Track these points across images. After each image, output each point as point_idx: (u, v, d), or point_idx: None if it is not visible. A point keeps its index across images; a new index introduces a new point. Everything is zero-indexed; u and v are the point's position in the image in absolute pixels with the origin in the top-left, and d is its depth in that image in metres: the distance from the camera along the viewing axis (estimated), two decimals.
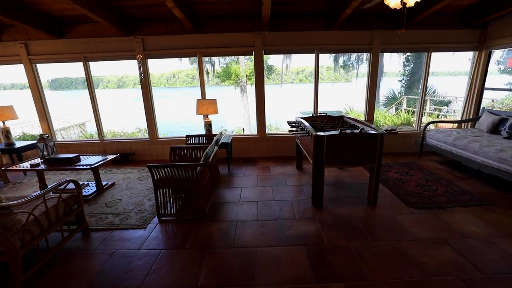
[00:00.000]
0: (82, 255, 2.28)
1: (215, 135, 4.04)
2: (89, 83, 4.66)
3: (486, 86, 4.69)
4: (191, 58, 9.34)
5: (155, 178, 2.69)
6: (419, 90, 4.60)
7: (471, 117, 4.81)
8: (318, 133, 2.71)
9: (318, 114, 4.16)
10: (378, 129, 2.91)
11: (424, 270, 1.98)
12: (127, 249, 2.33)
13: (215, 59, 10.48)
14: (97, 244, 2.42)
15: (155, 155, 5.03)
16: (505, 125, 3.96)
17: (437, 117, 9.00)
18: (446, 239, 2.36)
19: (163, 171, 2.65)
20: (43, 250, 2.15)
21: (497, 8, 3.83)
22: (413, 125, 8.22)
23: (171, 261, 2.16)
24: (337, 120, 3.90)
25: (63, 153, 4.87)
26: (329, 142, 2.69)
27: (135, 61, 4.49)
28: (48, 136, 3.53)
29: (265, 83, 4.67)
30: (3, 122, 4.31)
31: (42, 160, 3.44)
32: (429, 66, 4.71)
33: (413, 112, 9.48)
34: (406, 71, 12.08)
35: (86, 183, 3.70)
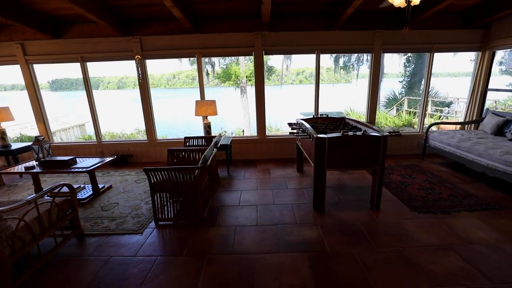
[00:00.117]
0: (76, 262, 2.20)
1: (214, 137, 3.96)
2: (87, 84, 4.59)
3: (489, 87, 4.61)
4: (191, 58, 9.29)
5: (152, 181, 2.62)
6: (420, 91, 4.54)
7: (474, 118, 4.74)
8: (320, 135, 2.64)
9: (319, 116, 4.08)
10: (381, 131, 2.83)
11: (432, 279, 1.90)
12: (123, 255, 2.25)
13: (215, 60, 10.42)
14: (92, 250, 2.35)
15: (154, 157, 4.96)
16: (510, 126, 3.88)
17: (439, 118, 8.92)
18: (452, 245, 2.28)
19: (160, 174, 2.57)
20: (34, 256, 2.07)
21: (501, 7, 3.76)
22: (415, 126, 8.16)
23: (167, 269, 2.08)
24: (339, 122, 3.82)
25: (60, 155, 4.81)
26: (331, 144, 2.62)
27: (134, 61, 4.42)
28: (43, 138, 3.46)
29: (265, 84, 4.60)
30: None
31: (37, 163, 3.36)
32: (431, 67, 4.63)
33: (414, 113, 9.42)
34: (407, 72, 12.03)
35: (82, 186, 3.62)
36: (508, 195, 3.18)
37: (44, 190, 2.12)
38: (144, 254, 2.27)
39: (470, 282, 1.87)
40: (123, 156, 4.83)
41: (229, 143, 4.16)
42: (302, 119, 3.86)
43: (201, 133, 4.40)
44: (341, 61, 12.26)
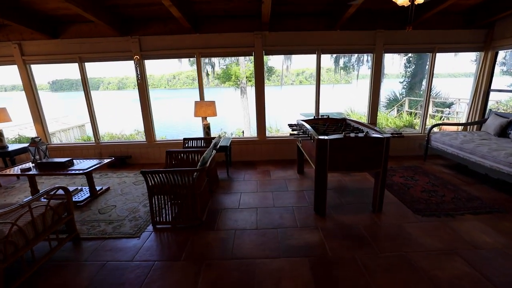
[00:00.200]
0: (71, 266, 2.15)
1: (213, 138, 3.91)
2: (85, 85, 4.55)
3: (491, 87, 4.56)
4: (191, 59, 9.25)
5: (150, 184, 2.56)
6: (421, 92, 4.50)
7: (476, 119, 4.68)
8: (321, 137, 2.58)
9: (320, 117, 4.03)
10: (383, 132, 2.78)
11: (436, 285, 1.85)
12: (119, 260, 2.20)
13: (215, 60, 10.38)
14: (88, 254, 2.29)
15: (152, 158, 4.90)
16: None
17: (440, 119, 8.87)
18: (457, 250, 2.22)
19: (157, 177, 2.52)
20: (28, 261, 2.02)
21: (505, 7, 3.71)
22: (416, 127, 8.10)
23: (165, 274, 2.02)
24: (340, 123, 3.77)
25: (57, 157, 4.76)
26: (333, 146, 2.56)
27: (132, 62, 4.38)
28: (40, 140, 3.41)
29: (265, 84, 4.55)
30: None
31: (33, 165, 3.31)
32: (433, 68, 4.58)
33: (415, 114, 9.37)
34: (407, 73, 11.99)
35: (79, 188, 3.57)
36: None
37: (38, 193, 2.07)
38: (141, 258, 2.21)
39: None
40: (121, 157, 4.78)
41: (228, 145, 4.10)
42: (303, 120, 3.81)
43: (201, 134, 4.35)
44: (341, 61, 12.22)
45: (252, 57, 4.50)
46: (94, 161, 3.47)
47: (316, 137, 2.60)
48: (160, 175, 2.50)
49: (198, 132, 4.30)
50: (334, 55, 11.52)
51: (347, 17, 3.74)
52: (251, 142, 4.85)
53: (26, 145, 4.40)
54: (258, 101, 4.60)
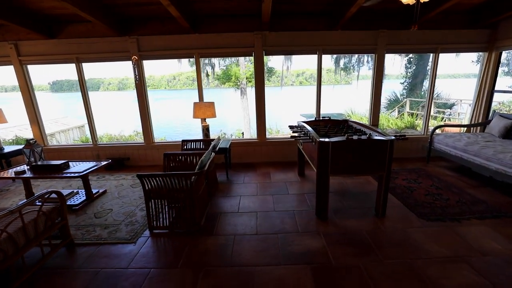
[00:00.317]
0: (64, 274, 2.07)
1: (212, 140, 3.84)
2: (82, 86, 4.47)
3: (495, 88, 4.49)
4: (191, 60, 9.18)
5: (146, 188, 2.48)
6: (423, 92, 4.43)
7: (480, 120, 4.61)
8: (323, 139, 2.51)
9: (321, 118, 3.95)
10: (386, 134, 2.71)
11: None
12: (114, 267, 2.12)
13: (215, 61, 10.31)
14: (82, 261, 2.21)
15: (151, 160, 4.83)
16: None
17: (442, 120, 8.79)
18: (464, 257, 2.14)
19: (154, 180, 2.44)
20: (19, 268, 1.94)
21: (509, 6, 3.64)
22: (418, 128, 8.03)
23: (161, 283, 1.94)
24: (341, 125, 3.69)
25: (54, 159, 4.69)
26: (335, 149, 2.49)
27: (130, 62, 4.31)
28: (35, 141, 3.33)
29: (265, 85, 4.48)
30: None
31: (28, 167, 3.24)
32: (436, 68, 4.50)
33: (417, 115, 9.30)
34: (408, 73, 11.92)
35: (75, 191, 3.49)
36: None
37: (29, 198, 1.99)
38: (136, 266, 2.13)
39: None
40: (119, 159, 4.70)
41: (228, 146, 4.03)
42: (304, 122, 3.73)
43: (201, 134, 4.27)
44: (341, 62, 12.16)
45: (252, 58, 4.43)
46: (91, 164, 3.39)
47: (317, 139, 2.53)
48: (157, 178, 2.43)
49: (198, 133, 4.23)
50: (335, 56, 11.46)
51: (348, 16, 3.67)
52: (251, 144, 4.78)
53: (21, 147, 4.32)
54: (258, 102, 4.53)
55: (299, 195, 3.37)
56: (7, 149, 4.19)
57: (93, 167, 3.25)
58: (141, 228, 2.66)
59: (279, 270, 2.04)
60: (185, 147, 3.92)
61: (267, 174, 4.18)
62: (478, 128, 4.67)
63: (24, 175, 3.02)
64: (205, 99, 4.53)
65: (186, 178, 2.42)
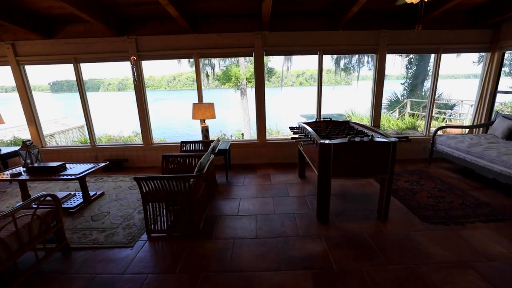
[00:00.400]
0: (59, 280, 2.02)
1: (212, 141, 3.79)
2: (80, 86, 4.42)
3: (498, 89, 4.44)
4: (191, 60, 9.15)
5: (144, 191, 2.43)
6: (423, 93, 4.37)
7: (483, 121, 4.55)
8: (324, 141, 2.46)
9: (322, 119, 3.90)
10: (388, 136, 2.65)
11: None
12: (110, 273, 2.07)
13: (215, 61, 10.27)
14: (77, 266, 2.16)
15: (150, 162, 4.78)
16: None
17: (443, 120, 8.74)
18: (469, 262, 2.09)
19: (152, 183, 2.39)
20: (13, 273, 1.89)
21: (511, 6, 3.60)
22: (419, 129, 7.98)
23: None
24: (343, 126, 3.64)
25: (52, 160, 4.64)
26: (337, 151, 2.43)
27: (129, 63, 4.26)
28: (31, 143, 3.28)
29: (265, 85, 4.43)
30: None
31: (24, 169, 3.19)
32: (438, 69, 4.45)
33: (417, 115, 9.25)
34: (408, 74, 11.87)
35: (72, 193, 3.44)
36: None
37: (23, 202, 1.94)
38: (133, 271, 2.08)
39: None
40: (118, 160, 4.65)
41: (227, 148, 3.98)
42: (305, 123, 3.68)
43: (201, 135, 4.22)
44: (341, 62, 12.12)
45: (252, 58, 4.38)
46: (88, 166, 3.34)
47: (318, 141, 2.48)
48: (155, 181, 2.37)
49: (198, 133, 4.18)
50: (335, 56, 11.41)
51: (350, 16, 3.62)
52: (251, 145, 4.73)
53: (18, 148, 4.27)
54: (258, 102, 4.48)
55: (299, 197, 3.31)
56: (4, 150, 4.14)
57: (90, 169, 3.20)
58: (139, 232, 2.61)
59: (279, 275, 1.98)
60: (184, 148, 3.87)
61: (267, 175, 4.13)
62: (481, 129, 4.61)
63: (20, 178, 2.97)
64: (205, 100, 4.49)
65: (184, 181, 2.37)
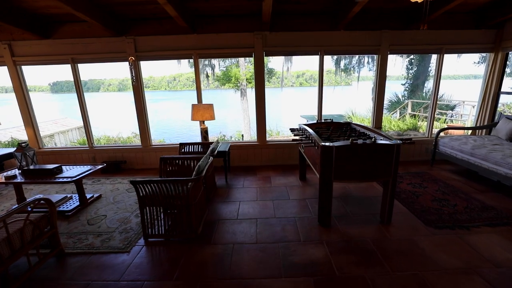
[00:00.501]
0: (52, 287, 1.95)
1: (211, 143, 3.73)
2: (78, 87, 4.36)
3: (501, 90, 4.37)
4: (191, 60, 9.09)
5: (141, 194, 2.37)
6: (424, 94, 4.30)
7: (486, 123, 4.49)
8: (326, 143, 2.39)
9: (323, 121, 3.84)
10: (391, 138, 2.59)
11: None
12: (105, 280, 2.00)
13: (215, 62, 10.22)
14: (71, 272, 2.09)
15: (148, 163, 4.71)
16: None
17: (444, 122, 8.68)
18: (476, 268, 2.02)
19: (149, 187, 2.33)
20: (4, 280, 1.82)
21: None
22: (420, 130, 7.92)
23: None
24: (344, 127, 3.58)
25: (50, 162, 4.58)
26: (339, 153, 2.37)
27: (127, 63, 4.20)
28: (27, 145, 3.22)
29: (265, 86, 4.37)
30: None
31: (20, 171, 3.12)
32: (441, 69, 4.39)
33: (418, 116, 9.19)
34: (409, 74, 11.82)
35: (69, 196, 3.37)
36: None
37: (14, 207, 1.88)
38: (129, 278, 2.01)
39: None
40: (116, 162, 4.59)
41: (227, 150, 3.91)
42: (305, 124, 3.62)
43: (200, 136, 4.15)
44: (342, 63, 12.07)
45: (252, 59, 4.32)
46: (85, 168, 3.28)
47: (320, 143, 2.42)
48: (152, 185, 2.31)
49: (198, 134, 4.12)
50: (335, 57, 11.37)
51: (351, 16, 3.56)
52: (251, 147, 4.66)
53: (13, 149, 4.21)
54: (258, 103, 4.42)
55: (300, 200, 3.25)
56: (0, 151, 4.08)
57: (86, 171, 3.14)
58: (136, 236, 2.55)
59: (280, 283, 1.92)
60: (183, 150, 3.81)
61: (267, 178, 4.06)
62: (484, 130, 4.55)
63: (14, 180, 2.91)
64: (205, 100, 4.43)
65: (182, 185, 2.31)
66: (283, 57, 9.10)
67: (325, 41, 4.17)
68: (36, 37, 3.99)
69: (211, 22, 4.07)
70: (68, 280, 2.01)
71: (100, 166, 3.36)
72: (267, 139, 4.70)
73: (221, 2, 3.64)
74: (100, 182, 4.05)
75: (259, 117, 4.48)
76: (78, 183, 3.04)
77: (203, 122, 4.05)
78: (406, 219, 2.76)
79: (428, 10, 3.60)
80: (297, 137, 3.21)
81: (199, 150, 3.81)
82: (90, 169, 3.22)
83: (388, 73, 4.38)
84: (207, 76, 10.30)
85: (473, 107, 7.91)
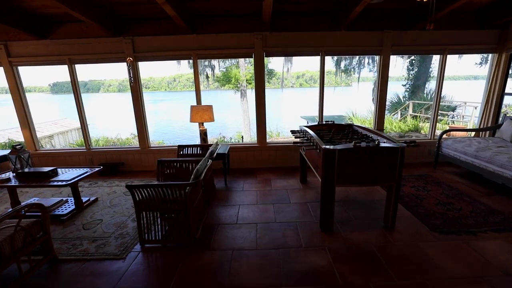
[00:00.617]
0: None
1: (210, 145, 3.66)
2: (75, 88, 4.29)
3: (506, 91, 4.31)
4: (190, 61, 9.05)
5: (137, 199, 2.30)
6: (425, 95, 4.22)
7: (489, 124, 4.42)
8: (328, 146, 2.32)
9: (324, 122, 3.77)
10: (395, 140, 2.52)
11: None
12: None
13: (215, 63, 10.16)
14: (64, 280, 2.02)
15: (147, 165, 4.64)
16: None
17: (446, 123, 8.61)
18: (484, 276, 1.94)
19: (145, 191, 2.25)
20: None
21: None
22: (422, 131, 7.85)
23: None
24: (346, 130, 3.51)
25: (47, 164, 4.52)
26: (341, 157, 2.30)
27: (125, 64, 4.13)
28: (22, 147, 3.15)
29: (265, 87, 4.30)
30: None
31: (14, 175, 3.05)
32: (444, 70, 4.33)
33: (419, 117, 9.12)
34: (410, 75, 11.75)
35: (64, 199, 3.30)
36: None
37: (4, 214, 1.80)
38: (124, 286, 1.93)
39: None
40: (113, 164, 4.51)
41: (226, 152, 3.84)
42: (306, 126, 3.55)
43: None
44: (342, 64, 12.01)
45: (252, 59, 4.25)
46: (81, 170, 3.20)
47: (322, 146, 2.34)
48: (149, 189, 2.24)
49: (198, 135, 4.04)
50: (335, 58, 11.31)
51: (353, 16, 3.50)
52: (251, 149, 4.59)
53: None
54: (258, 105, 4.35)
55: (301, 204, 3.17)
56: None
57: (82, 174, 3.07)
58: (132, 242, 2.47)
59: None
60: (181, 152, 3.74)
61: (267, 180, 3.99)
62: (487, 132, 4.48)
63: (8, 184, 2.83)
64: (205, 101, 4.36)
65: (180, 189, 2.23)
66: (283, 57, 9.05)
67: (326, 41, 4.10)
68: (33, 37, 3.92)
69: (211, 22, 4.01)
70: None
71: (96, 169, 3.29)
72: (267, 140, 4.63)
73: (221, 2, 3.58)
74: (97, 185, 3.97)
75: (259, 118, 4.41)
76: (73, 186, 2.96)
77: (202, 124, 3.98)
78: (410, 223, 2.68)
79: (431, 10, 3.54)
80: (298, 140, 3.14)
81: (198, 152, 3.74)
82: (86, 172, 3.15)
83: (389, 74, 4.31)
84: (207, 77, 10.24)
85: (475, 108, 7.84)
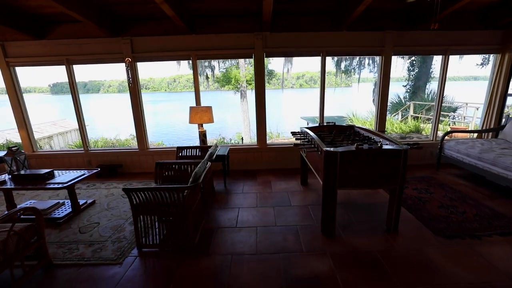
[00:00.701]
0: None
1: (209, 146, 3.60)
2: (73, 88, 4.24)
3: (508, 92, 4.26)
4: (190, 62, 9.01)
5: (134, 203, 2.24)
6: (425, 95, 4.18)
7: (492, 125, 4.37)
8: (329, 149, 2.27)
9: (325, 123, 3.71)
10: (398, 142, 2.47)
11: None
12: None
13: (215, 63, 10.12)
14: (59, 286, 1.96)
15: (145, 167, 4.58)
16: None
17: (447, 124, 8.56)
18: (491, 282, 1.89)
19: (143, 195, 2.20)
20: None
21: None
22: (423, 132, 7.79)
23: None
24: (348, 131, 3.46)
25: (44, 166, 4.46)
26: (343, 159, 2.24)
27: (124, 64, 4.08)
28: (17, 149, 3.09)
29: (265, 88, 4.25)
30: None
31: (9, 177, 3.00)
32: (446, 70, 4.28)
33: (420, 118, 9.07)
34: (411, 76, 11.71)
35: (61, 202, 3.24)
36: None
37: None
38: None
39: None
40: (112, 166, 4.46)
41: (226, 154, 3.79)
42: (307, 127, 3.50)
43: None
44: (342, 64, 11.97)
45: (252, 60, 4.20)
46: (77, 173, 3.15)
47: (323, 148, 2.29)
48: (146, 193, 2.18)
49: (198, 136, 3.99)
50: (336, 58, 11.27)
51: (355, 16, 3.45)
52: (251, 150, 4.54)
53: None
54: (258, 106, 4.30)
55: (302, 207, 3.12)
56: None
57: (79, 176, 3.01)
58: (129, 246, 2.41)
59: None
60: (180, 154, 3.68)
61: (267, 182, 3.93)
62: (490, 133, 4.43)
63: (3, 186, 2.78)
64: (205, 102, 4.31)
65: (178, 192, 2.18)
66: (283, 58, 9.00)
67: (327, 41, 4.06)
68: (30, 37, 3.88)
69: (211, 22, 3.96)
70: None
71: (93, 171, 3.23)
72: (268, 141, 4.58)
73: (220, 2, 3.53)
74: (95, 187, 3.92)
75: (259, 119, 4.36)
76: (70, 189, 2.91)
77: (202, 125, 3.93)
78: (413, 227, 2.63)
79: (434, 10, 3.49)
80: (298, 141, 3.08)
81: (197, 154, 3.69)
82: (83, 174, 3.10)
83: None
84: (207, 77, 10.19)
85: (477, 109, 7.79)
